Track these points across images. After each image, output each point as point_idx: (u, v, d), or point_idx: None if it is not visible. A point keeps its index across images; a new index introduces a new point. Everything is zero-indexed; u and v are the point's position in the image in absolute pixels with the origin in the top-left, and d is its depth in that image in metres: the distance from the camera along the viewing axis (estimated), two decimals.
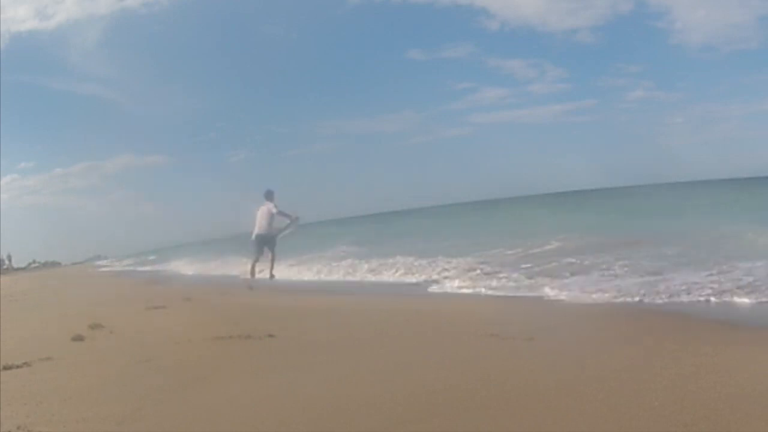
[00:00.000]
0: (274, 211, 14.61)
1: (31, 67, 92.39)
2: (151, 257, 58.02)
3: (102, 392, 5.22)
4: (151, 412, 4.56)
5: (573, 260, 13.89)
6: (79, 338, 7.85)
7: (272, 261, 14.99)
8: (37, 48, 76.04)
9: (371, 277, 17.29)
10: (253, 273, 15.19)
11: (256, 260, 15.11)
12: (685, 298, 8.73)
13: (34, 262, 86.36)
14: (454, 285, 13.21)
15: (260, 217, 14.66)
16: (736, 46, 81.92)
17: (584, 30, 77.67)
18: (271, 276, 15.14)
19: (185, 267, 35.73)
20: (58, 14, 75.83)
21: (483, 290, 11.99)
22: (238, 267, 29.76)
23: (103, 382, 5.65)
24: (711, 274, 9.84)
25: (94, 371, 6.12)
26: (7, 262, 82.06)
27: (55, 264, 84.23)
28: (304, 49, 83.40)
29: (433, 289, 13.30)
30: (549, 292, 10.52)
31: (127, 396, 5.01)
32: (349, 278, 17.93)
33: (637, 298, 9.10)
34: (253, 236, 14.74)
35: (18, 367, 6.23)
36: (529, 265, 14.00)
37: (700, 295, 8.67)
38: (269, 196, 14.82)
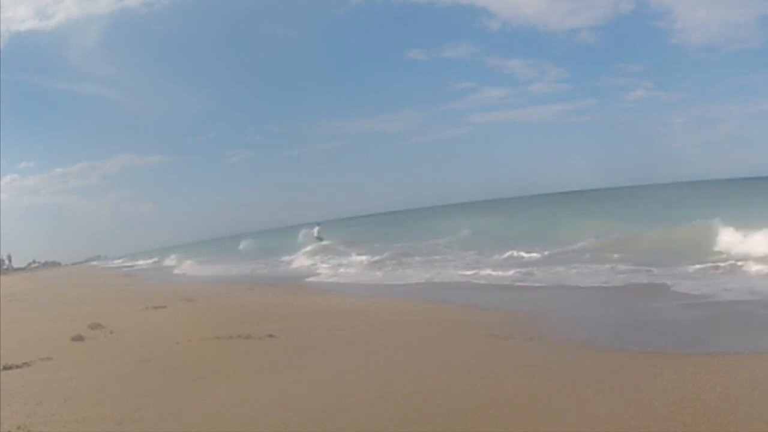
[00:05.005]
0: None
1: (31, 67, 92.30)
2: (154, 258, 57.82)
3: (102, 392, 5.23)
4: (151, 412, 4.57)
5: None
6: (79, 338, 7.85)
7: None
8: (37, 48, 76.03)
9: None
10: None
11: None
12: None
13: (34, 262, 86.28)
14: None
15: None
16: (736, 46, 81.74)
17: (585, 30, 77.36)
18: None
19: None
20: (58, 14, 75.66)
21: None
22: (237, 267, 29.98)
23: (103, 382, 5.65)
24: None
25: (94, 371, 6.12)
26: (7, 262, 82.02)
27: (55, 264, 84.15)
28: (305, 48, 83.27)
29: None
30: None
31: (127, 396, 5.02)
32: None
33: None
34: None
35: (18, 367, 6.24)
36: None
37: None
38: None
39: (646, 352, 5.70)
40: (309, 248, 30.24)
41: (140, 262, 58.75)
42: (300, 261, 26.45)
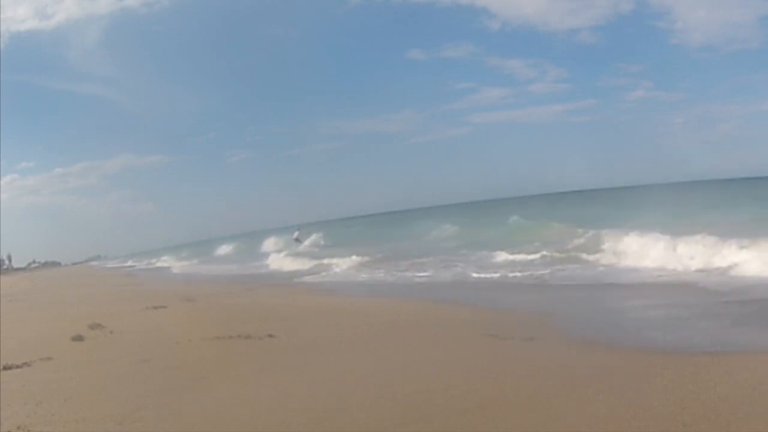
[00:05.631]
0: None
1: (31, 67, 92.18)
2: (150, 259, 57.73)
3: (102, 392, 5.23)
4: (151, 412, 4.57)
5: None
6: (79, 338, 7.85)
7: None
8: (37, 48, 75.99)
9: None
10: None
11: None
12: None
13: (34, 262, 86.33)
14: None
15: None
16: (736, 46, 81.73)
17: (585, 30, 77.28)
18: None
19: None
20: (58, 14, 75.57)
21: None
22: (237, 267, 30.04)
23: (103, 382, 5.66)
24: None
25: (94, 371, 6.12)
26: (7, 262, 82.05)
27: (55, 264, 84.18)
28: (305, 48, 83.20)
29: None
30: None
31: (127, 396, 5.02)
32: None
33: None
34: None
35: (18, 367, 6.24)
36: None
37: None
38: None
39: (647, 352, 5.70)
40: (288, 251, 31.04)
41: (131, 262, 58.65)
42: (279, 263, 26.73)
